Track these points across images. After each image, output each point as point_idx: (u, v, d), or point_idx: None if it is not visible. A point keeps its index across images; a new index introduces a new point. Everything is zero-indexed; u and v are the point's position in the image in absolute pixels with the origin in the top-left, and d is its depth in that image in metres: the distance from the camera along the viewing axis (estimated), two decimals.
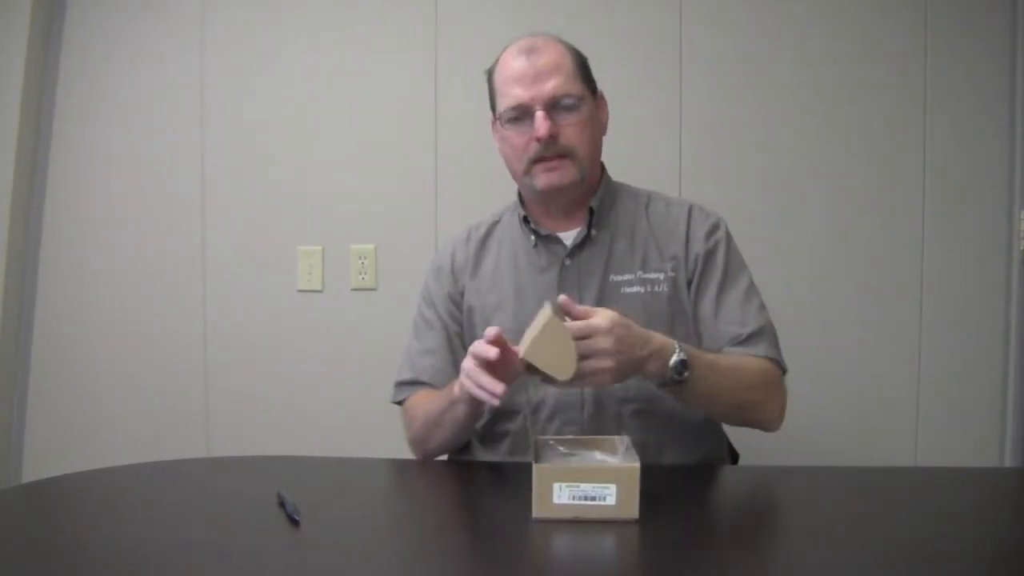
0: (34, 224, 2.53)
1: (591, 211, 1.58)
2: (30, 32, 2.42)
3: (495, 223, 1.70)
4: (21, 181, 2.47)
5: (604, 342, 1.25)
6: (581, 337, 1.24)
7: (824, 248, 2.32)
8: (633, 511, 1.12)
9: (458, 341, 1.64)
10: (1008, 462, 2.26)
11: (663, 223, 1.60)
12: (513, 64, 1.52)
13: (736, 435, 1.77)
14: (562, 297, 1.29)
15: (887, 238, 2.30)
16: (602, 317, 1.27)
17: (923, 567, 1.02)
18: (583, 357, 1.23)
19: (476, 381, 1.28)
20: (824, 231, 2.32)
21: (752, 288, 1.58)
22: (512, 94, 1.51)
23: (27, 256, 2.53)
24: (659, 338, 1.34)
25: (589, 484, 1.12)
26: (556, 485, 1.12)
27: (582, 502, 1.12)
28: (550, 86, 1.49)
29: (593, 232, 1.58)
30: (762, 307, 1.57)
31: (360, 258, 2.43)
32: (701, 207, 1.63)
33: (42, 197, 2.53)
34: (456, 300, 1.65)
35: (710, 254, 1.57)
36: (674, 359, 1.34)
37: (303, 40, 2.44)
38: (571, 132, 1.51)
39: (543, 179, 1.53)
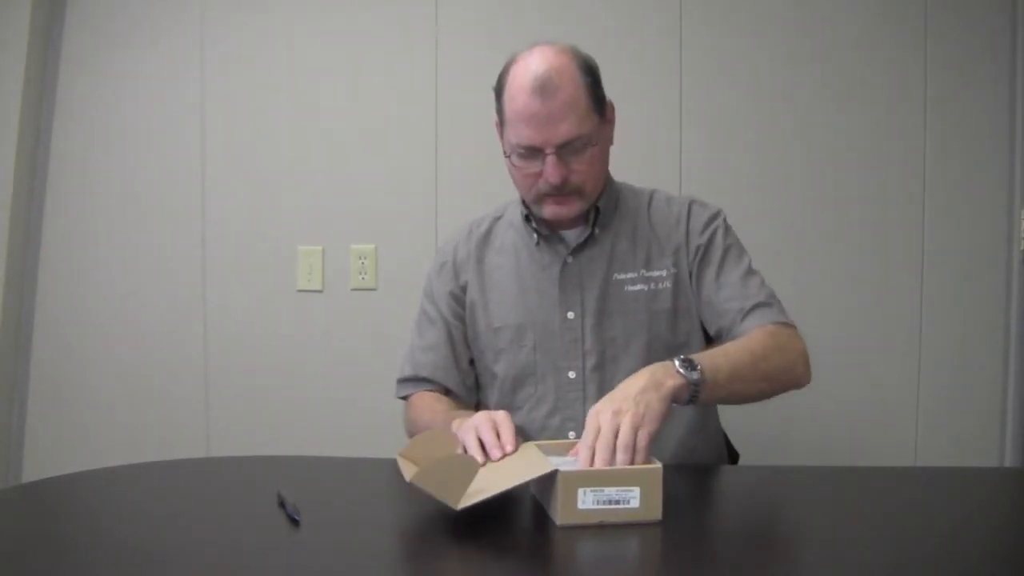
0: (34, 225, 2.53)
1: (596, 211, 1.58)
2: (30, 31, 2.42)
3: (497, 219, 1.70)
4: (21, 181, 2.47)
5: (604, 415, 1.20)
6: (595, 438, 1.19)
7: (824, 248, 2.32)
8: (656, 512, 1.13)
9: (460, 337, 1.65)
10: (1008, 462, 2.26)
11: (664, 220, 1.61)
12: (525, 100, 1.45)
13: (736, 435, 1.77)
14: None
15: (887, 238, 2.30)
16: (589, 416, 1.23)
17: (923, 567, 1.02)
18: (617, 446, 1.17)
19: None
20: (824, 231, 2.32)
21: (752, 270, 1.58)
22: (523, 134, 1.47)
23: (27, 256, 2.53)
24: (648, 367, 1.30)
25: (614, 488, 1.12)
26: (581, 491, 1.11)
27: (607, 506, 1.12)
28: (563, 130, 1.45)
29: (596, 231, 1.58)
30: (763, 283, 1.56)
31: (360, 258, 2.43)
32: (702, 201, 1.64)
33: (42, 197, 2.53)
34: (458, 296, 1.65)
35: (710, 241, 1.58)
36: (676, 362, 1.30)
37: (303, 40, 2.44)
38: (581, 171, 1.50)
39: (551, 211, 1.54)
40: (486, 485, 1.16)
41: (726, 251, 1.58)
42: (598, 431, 1.19)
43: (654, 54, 2.34)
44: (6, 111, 2.42)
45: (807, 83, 2.31)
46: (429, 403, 1.59)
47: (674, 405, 1.29)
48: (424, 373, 1.63)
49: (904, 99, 2.29)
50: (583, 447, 1.19)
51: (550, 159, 1.47)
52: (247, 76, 2.46)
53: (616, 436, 1.18)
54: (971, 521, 1.18)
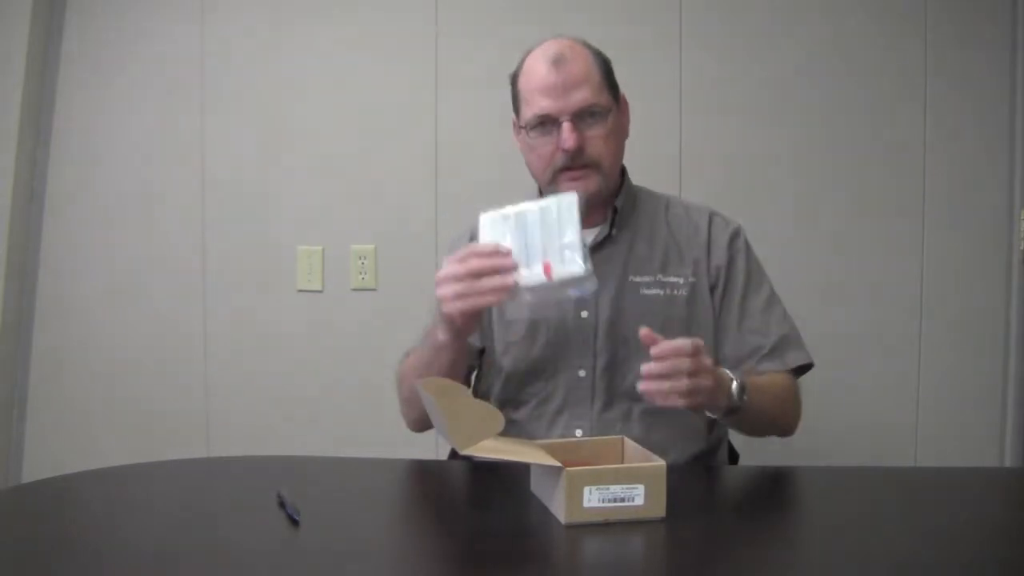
0: (34, 225, 2.53)
1: (615, 211, 1.58)
2: (31, 30, 2.42)
3: None
4: (21, 181, 2.47)
5: (683, 364, 1.24)
6: (662, 357, 1.24)
7: (824, 248, 2.32)
8: (660, 510, 1.14)
9: None
10: (1008, 462, 2.26)
11: (683, 227, 1.61)
12: (540, 73, 1.50)
13: (736, 435, 1.76)
14: (643, 331, 1.27)
15: (887, 238, 2.30)
16: (685, 340, 1.26)
17: (923, 567, 1.02)
18: (662, 377, 1.23)
19: (478, 289, 1.30)
20: (823, 231, 2.32)
21: (774, 296, 1.61)
22: (539, 104, 1.50)
23: (27, 256, 2.53)
24: (719, 369, 1.34)
25: (619, 486, 1.13)
26: (587, 489, 1.12)
27: (612, 504, 1.13)
28: (578, 98, 1.48)
29: (614, 232, 1.59)
30: (785, 315, 1.60)
31: (360, 258, 2.43)
32: (721, 214, 1.65)
33: (42, 197, 2.52)
34: None
35: (732, 263, 1.59)
36: (734, 386, 1.34)
37: (304, 40, 2.43)
38: (597, 143, 1.51)
39: (568, 187, 1.53)
40: (493, 448, 1.17)
41: (748, 276, 1.60)
42: (670, 349, 1.24)
43: (654, 54, 2.33)
44: (6, 111, 2.42)
45: (806, 83, 2.31)
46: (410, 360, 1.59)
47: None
48: None
49: (904, 99, 2.29)
50: (667, 346, 1.24)
51: (565, 126, 1.48)
52: (247, 76, 2.45)
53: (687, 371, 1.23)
54: (971, 521, 1.18)
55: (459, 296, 1.33)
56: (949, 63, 2.27)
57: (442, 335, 1.42)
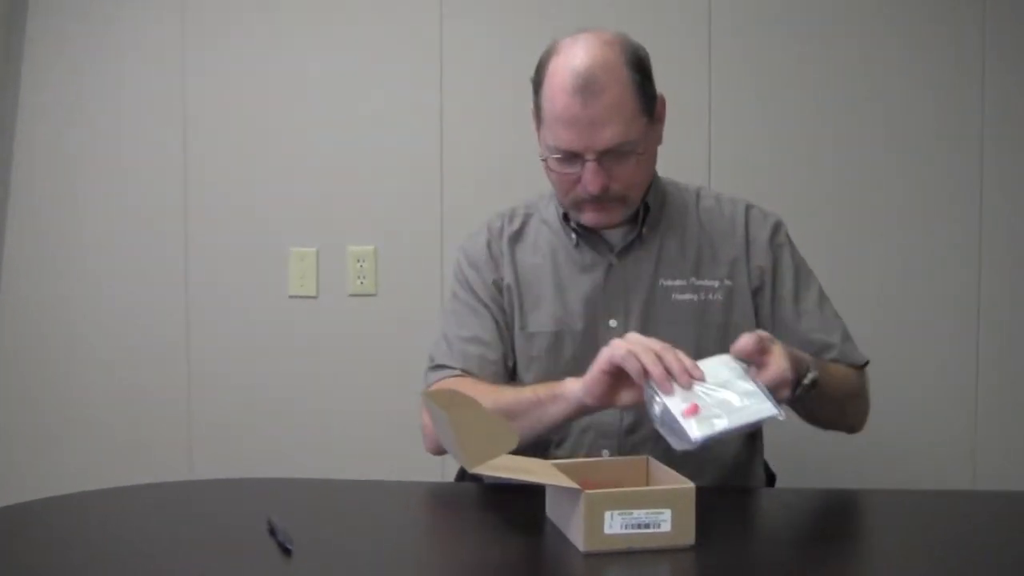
0: None
1: (646, 208, 1.56)
2: None
3: (529, 215, 1.68)
4: None
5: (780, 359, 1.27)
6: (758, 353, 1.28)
7: (874, 254, 2.31)
8: (689, 537, 1.12)
9: (505, 330, 1.61)
10: None
11: (716, 224, 1.59)
12: (565, 101, 1.43)
13: (775, 456, 1.75)
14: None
15: (943, 245, 2.30)
16: (748, 336, 1.30)
17: None
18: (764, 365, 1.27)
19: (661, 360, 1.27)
20: (874, 236, 2.31)
21: (822, 291, 1.63)
22: (561, 136, 1.45)
23: None
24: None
25: (643, 510, 1.11)
26: (608, 514, 1.11)
27: (636, 531, 1.12)
28: (606, 136, 1.43)
29: (644, 231, 1.57)
30: (836, 313, 1.62)
31: (358, 261, 2.43)
32: (759, 207, 1.63)
33: (5, 195, 2.52)
34: (500, 287, 1.62)
35: (777, 263, 1.59)
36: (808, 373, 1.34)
37: (295, 20, 2.42)
38: (624, 179, 1.48)
39: (590, 218, 1.53)
40: (505, 467, 1.15)
41: (796, 272, 1.60)
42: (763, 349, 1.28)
43: (681, 44, 2.32)
44: None
45: (856, 77, 2.30)
46: (470, 385, 1.52)
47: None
48: (472, 368, 1.57)
49: (960, 89, 2.27)
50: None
51: (590, 166, 1.45)
52: (232, 61, 2.44)
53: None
54: None
55: (644, 351, 1.27)
56: (1007, 58, 2.27)
57: (580, 389, 1.35)
